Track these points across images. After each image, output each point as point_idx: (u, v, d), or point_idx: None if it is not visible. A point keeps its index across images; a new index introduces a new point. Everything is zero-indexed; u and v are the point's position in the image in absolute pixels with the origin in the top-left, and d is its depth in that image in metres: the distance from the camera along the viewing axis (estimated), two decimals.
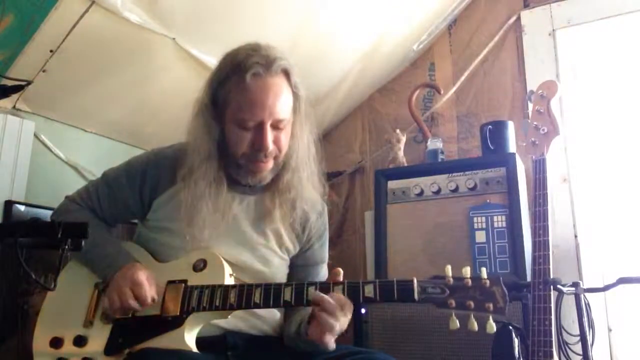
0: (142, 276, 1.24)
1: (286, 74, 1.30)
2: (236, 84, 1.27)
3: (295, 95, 1.33)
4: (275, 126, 1.28)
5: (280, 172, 1.36)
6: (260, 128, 1.27)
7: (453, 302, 1.09)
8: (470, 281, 1.10)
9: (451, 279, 1.11)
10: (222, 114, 1.30)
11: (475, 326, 1.07)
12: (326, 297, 1.14)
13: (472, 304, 1.08)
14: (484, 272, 1.10)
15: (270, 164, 1.32)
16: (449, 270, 1.13)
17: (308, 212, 1.42)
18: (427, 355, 1.75)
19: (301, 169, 1.38)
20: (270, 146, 1.28)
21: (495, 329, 1.07)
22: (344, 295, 1.15)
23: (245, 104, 1.26)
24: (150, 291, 1.24)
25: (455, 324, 1.09)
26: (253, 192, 1.38)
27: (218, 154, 1.32)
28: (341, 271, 1.21)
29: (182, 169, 1.32)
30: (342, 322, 1.16)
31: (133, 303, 1.22)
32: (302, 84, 1.35)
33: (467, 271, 1.11)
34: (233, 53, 1.31)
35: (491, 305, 1.07)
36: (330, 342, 1.16)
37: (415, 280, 1.12)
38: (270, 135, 1.27)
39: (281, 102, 1.27)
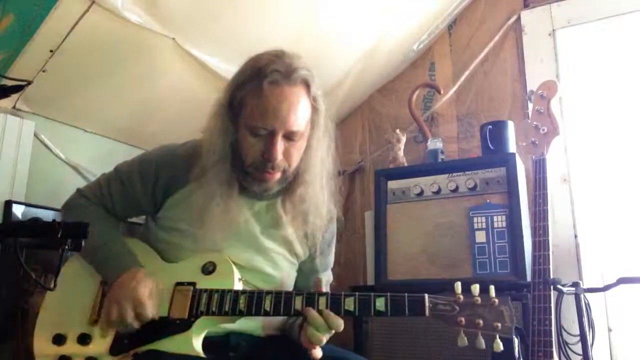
0: (145, 292, 1.22)
1: (306, 85, 1.26)
2: (253, 89, 1.24)
3: (314, 108, 1.30)
4: (288, 137, 1.25)
5: (293, 184, 1.34)
6: (271, 137, 1.24)
7: (463, 320, 1.11)
8: (479, 299, 1.11)
9: (461, 297, 1.13)
10: (237, 117, 1.28)
11: (483, 344, 1.09)
12: (318, 318, 1.16)
13: (481, 322, 1.10)
14: (492, 291, 1.12)
15: (277, 175, 1.29)
16: (458, 287, 1.14)
17: (320, 224, 1.40)
18: (427, 355, 1.75)
19: (315, 183, 1.35)
20: (279, 157, 1.25)
21: (502, 348, 1.09)
22: (354, 307, 1.16)
23: (259, 110, 1.23)
24: (151, 310, 1.22)
25: (464, 341, 1.10)
26: (264, 198, 1.37)
27: (231, 157, 1.30)
28: (322, 279, 1.26)
29: (195, 168, 1.31)
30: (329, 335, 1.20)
31: (133, 323, 1.21)
32: (323, 97, 1.31)
33: (475, 288, 1.12)
34: (256, 57, 1.29)
35: (499, 325, 1.09)
36: (317, 352, 1.20)
37: (426, 297, 1.13)
38: (280, 146, 1.24)
39: (296, 114, 1.24)
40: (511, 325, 1.08)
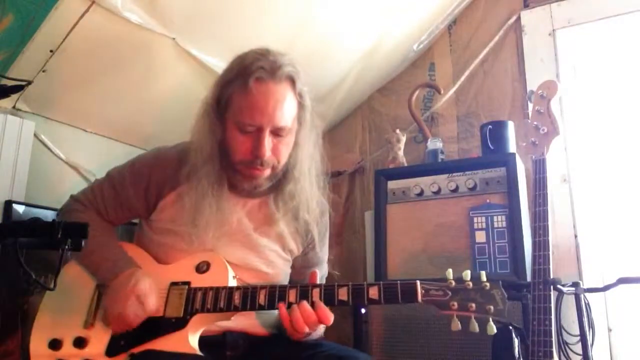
0: (145, 287, 1.23)
1: (292, 81, 1.28)
2: (240, 87, 1.25)
3: (300, 105, 1.31)
4: (275, 134, 1.27)
5: (283, 181, 1.36)
6: (258, 134, 1.25)
7: (455, 304, 1.12)
8: (471, 284, 1.13)
9: (453, 282, 1.14)
10: (225, 115, 1.30)
11: (477, 327, 1.10)
12: (298, 319, 1.17)
13: (473, 306, 1.11)
14: (483, 275, 1.14)
15: (266, 172, 1.30)
16: (450, 273, 1.15)
17: (311, 218, 1.41)
18: (427, 355, 1.76)
19: (304, 179, 1.36)
20: (267, 153, 1.26)
21: (495, 331, 1.10)
22: (348, 296, 1.17)
23: (246, 108, 1.25)
24: (153, 303, 1.23)
25: (457, 325, 1.12)
26: (256, 195, 1.38)
27: (220, 156, 1.31)
28: (316, 273, 1.28)
29: (185, 168, 1.32)
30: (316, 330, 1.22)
31: (134, 320, 1.22)
32: (309, 93, 1.33)
33: (467, 274, 1.14)
34: (242, 56, 1.30)
35: (492, 308, 1.10)
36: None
37: (418, 283, 1.14)
38: (268, 142, 1.25)
39: (283, 110, 1.25)
40: (503, 308, 1.10)
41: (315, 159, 1.40)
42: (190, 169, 1.31)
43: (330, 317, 1.18)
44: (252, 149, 1.26)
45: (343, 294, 1.17)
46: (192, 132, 1.34)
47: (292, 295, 1.19)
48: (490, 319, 1.10)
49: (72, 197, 1.45)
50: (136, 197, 1.37)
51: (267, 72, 1.24)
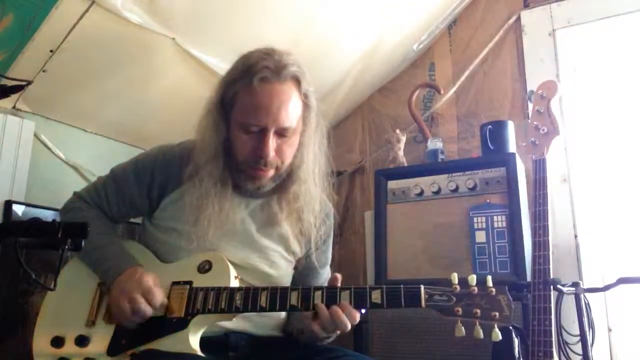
0: (150, 281, 1.23)
1: (297, 81, 1.27)
2: (244, 86, 1.25)
3: (305, 105, 1.30)
4: (280, 134, 1.26)
5: (287, 182, 1.35)
6: (262, 134, 1.24)
7: (460, 310, 1.10)
8: (476, 289, 1.10)
9: (458, 287, 1.12)
10: (229, 115, 1.29)
11: (481, 334, 1.08)
12: (326, 314, 1.16)
13: (478, 312, 1.09)
14: (489, 280, 1.11)
15: (270, 172, 1.30)
16: (455, 277, 1.13)
17: (315, 220, 1.40)
18: (427, 355, 1.75)
19: (309, 180, 1.36)
20: (271, 154, 1.25)
21: (500, 337, 1.08)
22: (350, 300, 1.16)
23: (250, 108, 1.24)
24: (160, 296, 1.22)
25: (462, 331, 1.09)
26: (259, 196, 1.37)
27: (224, 155, 1.30)
28: (339, 277, 1.23)
29: (188, 167, 1.31)
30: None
31: (146, 310, 1.20)
32: (314, 93, 1.32)
33: (472, 279, 1.11)
34: (247, 55, 1.29)
35: (497, 314, 1.08)
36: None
37: (422, 287, 1.13)
38: (272, 143, 1.25)
39: (287, 110, 1.24)
40: (509, 314, 1.07)
41: (320, 160, 1.39)
42: (193, 168, 1.31)
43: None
44: (256, 149, 1.25)
45: (345, 297, 1.16)
46: (196, 131, 1.34)
47: (293, 298, 1.18)
48: (496, 326, 1.08)
49: (75, 193, 1.44)
50: (139, 195, 1.37)
51: (272, 71, 1.23)
